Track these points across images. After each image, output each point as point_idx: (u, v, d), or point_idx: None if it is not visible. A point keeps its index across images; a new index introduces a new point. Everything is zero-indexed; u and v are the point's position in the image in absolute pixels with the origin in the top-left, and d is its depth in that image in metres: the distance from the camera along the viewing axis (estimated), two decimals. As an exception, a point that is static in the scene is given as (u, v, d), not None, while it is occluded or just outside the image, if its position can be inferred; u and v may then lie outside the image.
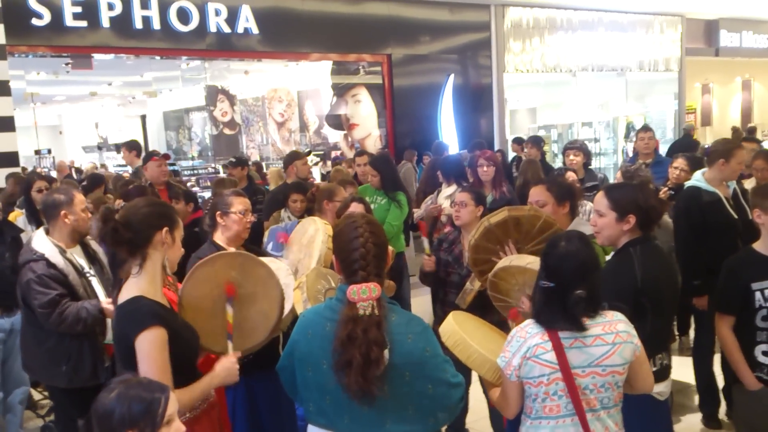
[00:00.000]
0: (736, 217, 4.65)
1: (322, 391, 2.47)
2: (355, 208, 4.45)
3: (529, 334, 2.53)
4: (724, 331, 3.53)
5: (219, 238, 3.76)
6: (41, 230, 4.08)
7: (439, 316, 4.32)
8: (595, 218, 3.18)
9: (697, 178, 4.81)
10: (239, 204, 3.77)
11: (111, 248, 2.66)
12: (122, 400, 1.93)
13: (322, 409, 2.50)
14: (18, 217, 6.06)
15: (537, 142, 9.34)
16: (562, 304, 2.50)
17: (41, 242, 3.94)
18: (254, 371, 3.20)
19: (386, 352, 2.34)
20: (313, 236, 3.76)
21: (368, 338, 2.32)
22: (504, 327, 4.07)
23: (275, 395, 3.57)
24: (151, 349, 2.44)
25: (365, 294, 2.35)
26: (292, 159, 7.44)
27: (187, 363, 2.63)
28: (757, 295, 3.40)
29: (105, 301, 3.83)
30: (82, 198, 4.11)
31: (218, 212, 3.76)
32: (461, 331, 2.90)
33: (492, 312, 3.82)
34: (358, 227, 2.46)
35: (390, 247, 3.96)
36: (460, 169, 6.85)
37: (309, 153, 8.29)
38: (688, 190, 4.89)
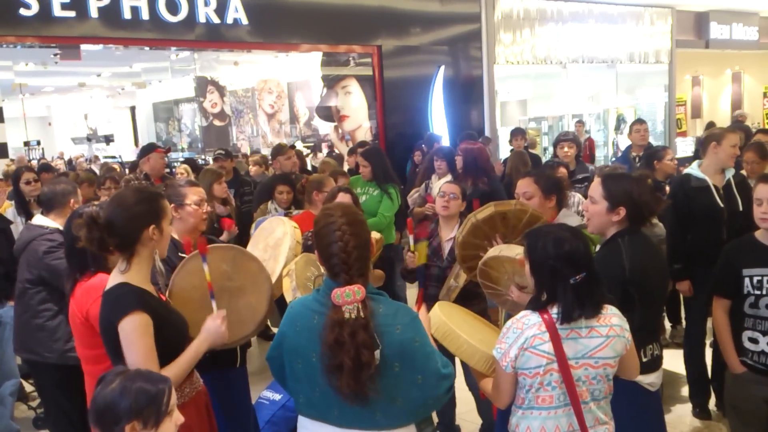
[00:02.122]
0: (721, 206, 4.67)
1: (311, 384, 2.46)
2: (342, 198, 4.41)
3: (525, 325, 2.52)
4: (718, 314, 3.56)
5: (174, 231, 3.50)
6: (39, 215, 4.25)
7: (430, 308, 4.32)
8: (588, 204, 3.19)
9: (693, 166, 4.87)
10: (193, 194, 3.58)
11: (96, 252, 2.63)
12: (126, 393, 1.94)
13: (312, 401, 2.49)
14: (7, 209, 6.03)
15: (522, 132, 9.66)
16: (593, 290, 2.51)
17: (47, 221, 4.13)
18: (210, 369, 3.08)
19: (377, 353, 2.33)
20: (280, 239, 3.62)
21: (356, 342, 2.30)
22: (483, 316, 4.09)
23: (228, 394, 3.48)
24: (134, 335, 2.44)
25: (349, 297, 2.33)
26: (275, 154, 7.46)
27: (177, 350, 2.61)
28: (746, 281, 3.43)
29: None
30: (79, 191, 4.42)
31: (172, 204, 3.46)
32: (449, 322, 2.91)
33: (473, 303, 3.82)
34: (337, 230, 2.40)
35: (378, 235, 3.97)
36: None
37: (293, 147, 8.24)
38: (680, 176, 4.98)
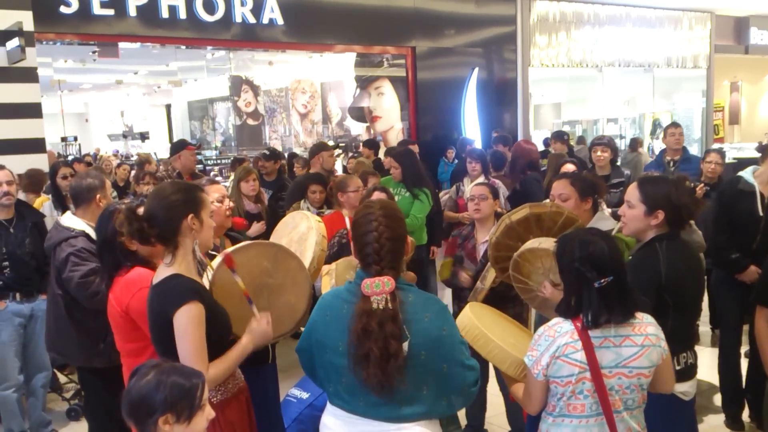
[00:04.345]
0: (761, 214, 4.57)
1: (338, 374, 2.49)
2: (378, 197, 4.46)
3: (558, 333, 2.49)
4: (761, 325, 3.48)
5: None
6: (69, 213, 4.17)
7: (455, 313, 4.32)
8: (624, 209, 3.14)
9: (747, 170, 4.74)
10: (214, 192, 3.58)
11: (141, 244, 2.65)
12: (161, 386, 1.97)
13: (339, 392, 2.52)
14: (44, 202, 6.11)
15: (560, 136, 9.34)
16: (620, 296, 2.47)
17: (75, 221, 4.06)
18: (245, 366, 3.10)
19: (405, 345, 2.34)
20: (305, 234, 3.61)
21: (385, 332, 2.32)
22: (519, 320, 4.07)
23: (261, 390, 3.47)
24: (190, 325, 2.45)
25: (378, 288, 2.36)
26: (318, 150, 7.41)
27: (222, 344, 2.64)
28: None
29: None
30: (109, 184, 4.31)
31: None
32: (480, 325, 2.88)
33: (504, 308, 3.80)
34: (373, 220, 2.45)
35: (410, 238, 3.96)
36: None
37: (336, 146, 8.07)
38: (732, 177, 4.86)
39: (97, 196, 4.08)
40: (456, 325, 2.52)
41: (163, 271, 2.59)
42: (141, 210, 2.60)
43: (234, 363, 2.65)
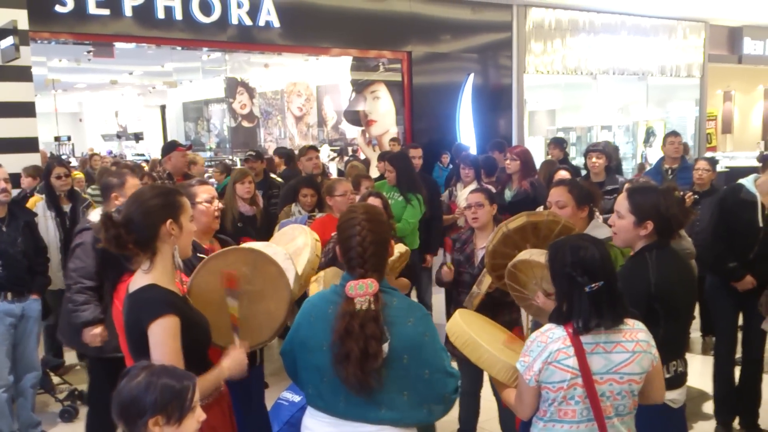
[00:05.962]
0: (761, 225, 4.57)
1: (320, 373, 2.52)
2: (373, 202, 4.46)
3: (550, 339, 2.49)
4: None
5: None
6: (99, 209, 4.38)
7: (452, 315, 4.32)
8: (614, 219, 3.14)
9: (749, 178, 4.72)
10: (204, 193, 3.56)
11: (117, 253, 2.57)
12: (152, 387, 1.96)
13: (320, 392, 2.55)
14: (38, 202, 6.09)
15: (559, 143, 9.33)
16: (611, 301, 2.48)
17: (96, 215, 4.13)
18: None
19: (385, 346, 2.40)
20: (300, 249, 3.59)
21: (365, 333, 2.38)
22: (516, 325, 4.07)
23: (246, 393, 3.50)
24: (164, 338, 2.43)
25: (362, 290, 2.42)
26: (299, 155, 7.54)
27: (199, 352, 2.62)
28: None
29: (99, 328, 4.07)
30: (136, 182, 4.25)
31: None
32: (470, 330, 2.88)
33: (500, 313, 3.80)
34: (356, 224, 2.51)
35: (404, 248, 3.98)
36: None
37: (312, 147, 8.02)
38: (734, 184, 4.84)
39: (113, 194, 4.16)
40: (437, 332, 2.55)
41: (140, 279, 2.54)
42: None
43: (208, 388, 2.58)
